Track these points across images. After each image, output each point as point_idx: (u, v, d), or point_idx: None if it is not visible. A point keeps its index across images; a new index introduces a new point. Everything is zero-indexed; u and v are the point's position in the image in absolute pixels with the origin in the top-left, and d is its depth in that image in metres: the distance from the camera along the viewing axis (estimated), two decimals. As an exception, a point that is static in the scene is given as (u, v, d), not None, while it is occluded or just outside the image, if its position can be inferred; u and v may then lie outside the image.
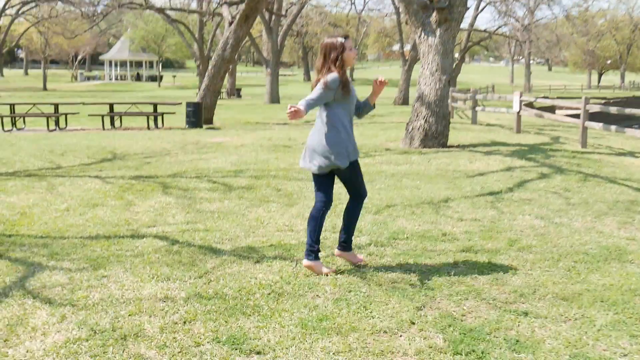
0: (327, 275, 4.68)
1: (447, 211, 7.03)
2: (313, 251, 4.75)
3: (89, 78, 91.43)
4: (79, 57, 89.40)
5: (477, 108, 21.42)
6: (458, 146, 13.51)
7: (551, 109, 40.22)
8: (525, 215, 6.82)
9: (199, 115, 19.51)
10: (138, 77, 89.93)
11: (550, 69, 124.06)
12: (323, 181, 4.90)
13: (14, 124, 19.62)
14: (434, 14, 13.03)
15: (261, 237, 5.86)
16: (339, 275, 4.67)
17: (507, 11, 48.42)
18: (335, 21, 79.84)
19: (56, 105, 19.73)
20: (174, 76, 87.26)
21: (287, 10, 39.84)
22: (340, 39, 4.66)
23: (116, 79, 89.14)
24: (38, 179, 9.26)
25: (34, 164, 10.83)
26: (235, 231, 6.12)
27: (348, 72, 4.93)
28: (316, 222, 4.80)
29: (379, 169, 10.14)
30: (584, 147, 13.91)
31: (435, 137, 13.16)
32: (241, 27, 21.20)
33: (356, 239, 5.76)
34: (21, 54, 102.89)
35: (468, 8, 14.11)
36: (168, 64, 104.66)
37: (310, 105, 4.48)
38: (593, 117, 16.75)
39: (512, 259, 5.10)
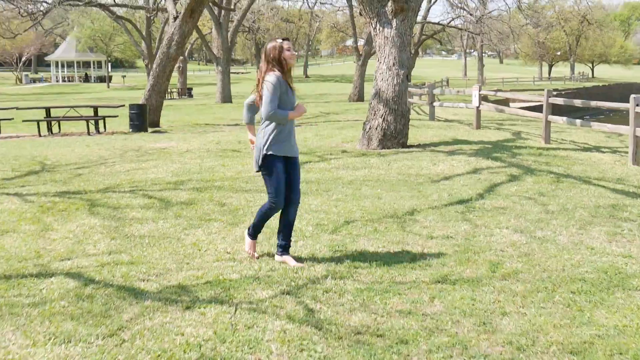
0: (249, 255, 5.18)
1: (414, 226, 6.15)
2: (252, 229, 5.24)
3: (34, 80, 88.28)
4: (24, 59, 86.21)
5: (435, 103, 20.73)
6: (418, 146, 12.71)
7: (505, 102, 40.02)
8: (503, 229, 5.99)
9: (143, 118, 18.30)
10: (86, 78, 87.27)
11: (501, 62, 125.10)
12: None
13: (-60, 132, 18.09)
14: (390, 3, 12.17)
15: (196, 271, 4.88)
16: (288, 326, 3.72)
17: (460, 3, 48.16)
18: (287, 16, 78.77)
19: (-14, 111, 18.28)
20: (124, 76, 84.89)
21: (235, 4, 38.60)
22: (279, 41, 4.89)
23: (63, 80, 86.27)
24: (-54, 199, 8.08)
25: (-53, 180, 9.61)
26: (166, 263, 5.13)
27: (294, 72, 5.05)
28: (261, 218, 5.20)
29: (335, 175, 9.23)
30: (547, 143, 13.27)
31: (395, 136, 12.32)
32: (186, 22, 20.06)
33: (310, 269, 4.84)
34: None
35: (425, -2, 13.30)
36: (118, 64, 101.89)
37: (274, 107, 4.80)
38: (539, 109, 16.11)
39: (498, 292, 4.24)
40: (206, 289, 4.42)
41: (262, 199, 7.41)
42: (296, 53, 5.23)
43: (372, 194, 7.83)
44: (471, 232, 5.88)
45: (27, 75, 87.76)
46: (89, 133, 17.67)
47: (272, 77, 4.77)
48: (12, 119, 19.37)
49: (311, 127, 18.48)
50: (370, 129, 12.45)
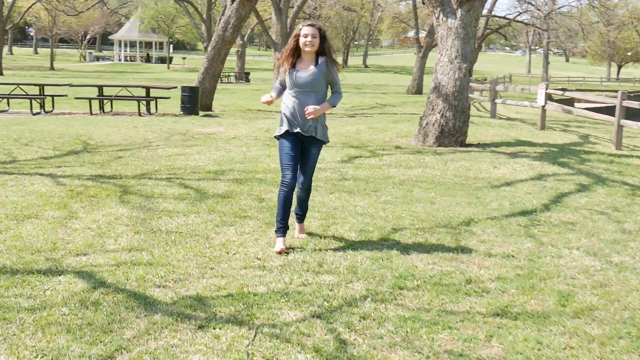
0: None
1: (470, 240, 5.46)
2: (277, 224, 5.16)
3: (97, 58, 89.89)
4: (88, 37, 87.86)
5: (497, 100, 19.76)
6: (478, 145, 11.90)
7: (569, 102, 38.32)
8: (573, 250, 5.23)
9: (194, 101, 17.95)
10: (148, 59, 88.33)
11: (567, 60, 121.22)
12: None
13: (-5, 105, 18.15)
14: (456, -8, 11.38)
15: (219, 279, 4.32)
16: (314, 361, 3.12)
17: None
18: (349, 4, 77.87)
19: (41, 87, 18.23)
20: (184, 58, 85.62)
21: (296, -11, 37.98)
22: (300, 26, 4.98)
23: (125, 59, 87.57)
24: (-21, 176, 7.77)
25: (-14, 156, 9.35)
26: (188, 266, 4.59)
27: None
28: (279, 205, 5.13)
29: (386, 174, 8.56)
30: (619, 149, 12.26)
31: (453, 134, 11.55)
32: (244, 5, 19.60)
33: (348, 286, 4.22)
34: (32, 32, 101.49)
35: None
36: (180, 46, 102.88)
37: (273, 84, 5.36)
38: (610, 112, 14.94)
39: (570, 335, 3.53)
40: (226, 303, 3.85)
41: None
42: (311, 41, 4.93)
43: (424, 197, 7.14)
44: (536, 252, 5.15)
45: (91, 53, 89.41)
46: (139, 113, 17.42)
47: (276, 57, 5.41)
48: (66, 95, 19.32)
49: (365, 118, 17.80)
50: (427, 124, 11.71)
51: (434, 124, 11.59)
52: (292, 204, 5.17)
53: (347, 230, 5.65)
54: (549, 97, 19.73)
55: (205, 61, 20.34)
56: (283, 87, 5.22)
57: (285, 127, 5.12)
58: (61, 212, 6.11)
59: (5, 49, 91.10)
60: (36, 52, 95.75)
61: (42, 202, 6.46)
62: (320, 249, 5.06)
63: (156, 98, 18.40)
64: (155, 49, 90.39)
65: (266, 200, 6.80)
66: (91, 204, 6.47)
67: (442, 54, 11.63)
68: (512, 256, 5.01)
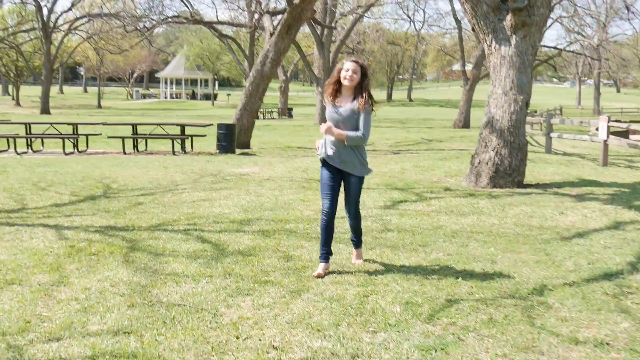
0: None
1: (547, 316, 4.29)
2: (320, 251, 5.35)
3: (144, 96, 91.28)
4: (135, 75, 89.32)
5: (552, 134, 18.42)
6: (537, 185, 10.68)
7: (624, 134, 36.41)
8: (685, 333, 4.02)
9: (231, 139, 17.17)
10: (193, 96, 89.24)
11: (618, 91, 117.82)
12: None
13: (29, 145, 17.69)
14: (509, 16, 10.30)
15: (220, 382, 3.28)
16: None
17: (578, 28, 44.98)
18: (393, 39, 77.28)
19: (75, 126, 17.72)
20: (228, 95, 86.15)
21: (336, 22, 37.37)
22: (344, 61, 5.21)
23: (171, 97, 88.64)
24: (-23, 228, 6.95)
25: (-5, 203, 8.58)
26: (185, 358, 3.56)
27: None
28: (321, 232, 5.34)
29: (435, 223, 7.44)
30: (698, 188, 10.85)
31: (509, 173, 10.36)
32: (283, 39, 18.89)
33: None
34: (82, 71, 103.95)
35: (552, 9, 11.31)
36: (225, 83, 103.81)
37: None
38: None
39: None
40: None
41: (338, 251, 5.76)
42: (351, 76, 5.13)
43: (483, 254, 5.99)
44: (637, 337, 3.96)
45: (137, 91, 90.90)
46: (173, 152, 16.69)
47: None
48: (100, 134, 18.79)
49: (411, 155, 16.70)
50: (479, 163, 10.55)
51: (487, 163, 10.43)
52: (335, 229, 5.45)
53: (390, 302, 4.55)
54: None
55: (243, 97, 19.64)
56: None
57: (322, 155, 5.32)
58: (51, 276, 5.17)
59: (56, 88, 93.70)
60: (85, 91, 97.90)
61: (33, 263, 5.55)
62: (355, 333, 3.97)
63: (192, 136, 17.68)
64: (201, 86, 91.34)
65: (294, 259, 5.75)
66: (89, 264, 5.52)
67: (495, 86, 10.51)
68: (607, 344, 3.83)
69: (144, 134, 17.76)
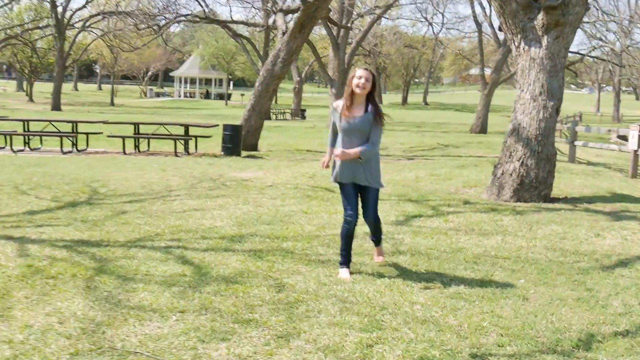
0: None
1: (600, 384, 3.36)
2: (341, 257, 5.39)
3: (158, 94, 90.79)
4: (149, 73, 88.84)
5: (577, 142, 17.37)
6: (565, 200, 9.69)
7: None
8: None
9: (237, 141, 16.27)
10: (207, 95, 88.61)
11: (637, 98, 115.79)
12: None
13: (27, 143, 16.93)
14: (540, 15, 9.32)
15: None
16: None
17: (600, 34, 43.72)
18: (410, 42, 76.22)
19: (74, 124, 16.91)
20: (242, 95, 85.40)
21: (352, 23, 36.40)
22: (358, 70, 5.17)
23: (185, 96, 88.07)
24: None
25: (-35, 209, 7.74)
26: None
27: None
28: (342, 239, 5.36)
29: (454, 244, 6.50)
30: None
31: (535, 186, 9.39)
32: (295, 38, 17.99)
33: None
34: (97, 68, 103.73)
35: (589, 8, 10.34)
36: (240, 83, 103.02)
37: (331, 131, 5.47)
38: None
39: None
40: None
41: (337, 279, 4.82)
42: (364, 84, 5.09)
43: (511, 288, 5.04)
44: None
45: (151, 90, 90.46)
46: (175, 154, 15.85)
47: (331, 106, 5.79)
48: (101, 133, 17.98)
49: (426, 162, 15.72)
50: (502, 174, 9.58)
51: (511, 174, 9.46)
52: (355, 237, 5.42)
53: (400, 357, 3.62)
54: (623, 138, 17.21)
55: (252, 97, 18.76)
56: (335, 132, 5.41)
57: (336, 177, 5.32)
58: (-9, 307, 4.30)
59: (70, 85, 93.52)
60: (100, 88, 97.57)
61: (-24, 288, 4.68)
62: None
63: (196, 137, 16.83)
64: (215, 85, 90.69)
65: (287, 289, 4.84)
66: (42, 291, 4.64)
67: (523, 90, 9.54)
68: None
69: (146, 134, 16.92)
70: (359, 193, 5.30)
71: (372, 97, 5.15)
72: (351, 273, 5.25)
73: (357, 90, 5.07)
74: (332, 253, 5.95)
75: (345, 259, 5.33)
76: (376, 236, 5.63)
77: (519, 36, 9.57)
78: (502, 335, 3.98)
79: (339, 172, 5.24)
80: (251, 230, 6.92)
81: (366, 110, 5.11)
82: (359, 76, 5.08)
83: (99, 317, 4.13)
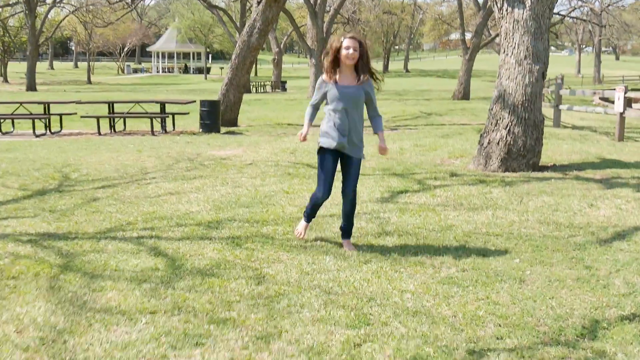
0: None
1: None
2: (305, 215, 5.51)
3: (135, 70, 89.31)
4: (126, 49, 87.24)
5: (561, 106, 17.08)
6: (554, 168, 9.42)
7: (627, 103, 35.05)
8: None
9: (215, 117, 15.82)
10: (186, 69, 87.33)
11: (617, 58, 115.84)
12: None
13: (-3, 126, 16.34)
14: (524, -25, 8.94)
15: None
16: None
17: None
18: (389, 8, 75.32)
19: (46, 105, 16.33)
20: (222, 68, 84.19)
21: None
22: (341, 39, 4.92)
23: (163, 71, 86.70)
24: None
25: None
26: None
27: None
28: (310, 203, 5.40)
29: (444, 222, 6.18)
30: None
31: (523, 155, 9.10)
32: (270, 6, 17.42)
33: None
34: (72, 45, 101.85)
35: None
36: (219, 56, 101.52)
37: (311, 102, 5.27)
38: None
39: None
40: None
41: (325, 266, 4.47)
42: (353, 54, 4.87)
43: (507, 268, 4.74)
44: None
45: (129, 66, 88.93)
46: (152, 133, 15.37)
47: (319, 78, 5.09)
48: (75, 113, 17.41)
49: (410, 132, 15.39)
50: (489, 143, 9.27)
51: (498, 143, 9.15)
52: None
53: (390, 358, 3.31)
54: (607, 100, 17.00)
55: (229, 71, 18.24)
56: (317, 107, 5.30)
57: (328, 144, 5.07)
58: (-56, 315, 3.93)
59: (46, 63, 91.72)
60: (76, 66, 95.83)
61: None
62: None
63: (173, 114, 16.35)
64: (193, 59, 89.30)
65: (267, 280, 4.50)
66: (1, 295, 4.27)
67: (507, 54, 9.18)
68: None
69: (121, 113, 16.39)
70: (341, 165, 5.16)
71: (364, 65, 4.94)
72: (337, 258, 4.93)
73: (348, 62, 4.89)
74: (315, 237, 5.62)
75: (308, 216, 5.47)
76: (348, 223, 5.29)
77: (502, -2, 9.18)
78: (500, 326, 3.68)
79: (327, 138, 5.04)
80: (229, 214, 6.56)
81: (358, 80, 4.95)
82: (346, 46, 4.86)
83: (62, 323, 3.77)
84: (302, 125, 5.31)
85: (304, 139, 5.22)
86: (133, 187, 8.20)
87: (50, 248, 5.37)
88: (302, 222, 5.53)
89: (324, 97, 5.08)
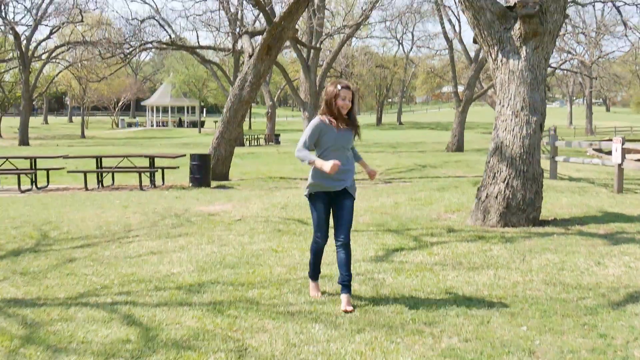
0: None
1: None
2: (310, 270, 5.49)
3: (130, 125, 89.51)
4: (120, 103, 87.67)
5: (558, 158, 16.83)
6: (555, 222, 9.05)
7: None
8: None
9: (205, 171, 15.50)
10: (180, 123, 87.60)
11: (608, 110, 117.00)
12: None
13: (-19, 183, 15.96)
14: (518, 25, 8.73)
15: None
16: None
17: (568, 46, 43.71)
18: (382, 62, 76.17)
19: (32, 160, 15.99)
20: (215, 122, 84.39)
21: (321, 43, 35.87)
22: (339, 87, 5.15)
23: (158, 125, 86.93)
24: None
25: None
26: None
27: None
28: (311, 253, 5.42)
29: (442, 283, 5.76)
30: None
31: (522, 209, 8.73)
32: (262, 60, 17.32)
33: None
34: (67, 100, 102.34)
35: (567, 16, 9.77)
36: (214, 109, 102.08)
37: (303, 146, 5.18)
38: None
39: None
40: None
41: (311, 336, 4.03)
42: (349, 104, 5.15)
43: (513, 337, 4.31)
44: None
45: (123, 120, 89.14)
46: (141, 187, 14.98)
47: (314, 120, 5.24)
48: (64, 168, 17.04)
49: (404, 184, 15.05)
50: (487, 197, 8.91)
51: (496, 197, 8.80)
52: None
53: None
54: (600, 150, 16.73)
55: (220, 124, 18.05)
56: (310, 150, 5.29)
57: (320, 187, 5.20)
58: None
59: (41, 118, 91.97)
60: (71, 121, 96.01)
61: None
62: None
63: (163, 168, 16.01)
64: (188, 113, 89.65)
65: (249, 354, 4.05)
66: (-51, 374, 3.81)
67: (503, 105, 8.92)
68: None
69: (109, 168, 16.04)
70: (333, 210, 5.24)
71: (352, 111, 5.25)
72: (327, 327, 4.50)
73: (343, 111, 5.17)
74: (304, 301, 5.19)
75: (314, 272, 5.45)
76: (347, 273, 5.11)
77: (495, 48, 8.98)
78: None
79: (320, 182, 5.15)
80: (213, 276, 6.12)
81: (348, 125, 5.22)
82: (343, 97, 5.14)
83: (11, 410, 3.31)
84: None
85: (338, 164, 4.97)
86: (114, 246, 7.77)
87: (14, 317, 4.92)
88: (311, 284, 5.49)
89: (317, 140, 5.19)
